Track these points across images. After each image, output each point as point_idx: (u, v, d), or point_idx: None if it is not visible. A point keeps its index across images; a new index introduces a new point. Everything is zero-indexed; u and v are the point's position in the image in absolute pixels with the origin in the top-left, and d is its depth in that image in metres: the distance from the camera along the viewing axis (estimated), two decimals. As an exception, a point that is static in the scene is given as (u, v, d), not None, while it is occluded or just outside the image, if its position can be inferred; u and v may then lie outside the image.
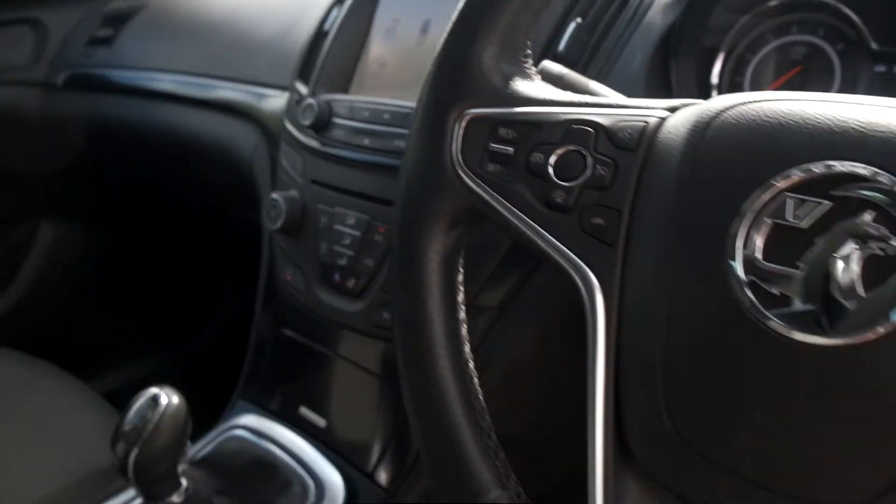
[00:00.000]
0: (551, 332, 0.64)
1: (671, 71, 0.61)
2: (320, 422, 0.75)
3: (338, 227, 0.73)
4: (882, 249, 0.28)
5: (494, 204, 0.38)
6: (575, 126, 0.37)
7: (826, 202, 0.29)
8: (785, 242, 0.30)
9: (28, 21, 1.23)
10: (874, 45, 0.55)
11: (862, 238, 0.28)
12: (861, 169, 0.28)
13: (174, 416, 0.60)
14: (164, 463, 0.60)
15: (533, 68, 0.41)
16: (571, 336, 0.41)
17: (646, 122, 0.36)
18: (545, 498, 0.52)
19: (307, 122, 0.75)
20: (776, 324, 0.29)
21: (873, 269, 0.28)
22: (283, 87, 0.86)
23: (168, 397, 0.61)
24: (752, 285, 0.30)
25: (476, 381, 0.41)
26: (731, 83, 0.63)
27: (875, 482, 0.28)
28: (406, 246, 0.41)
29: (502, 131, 0.39)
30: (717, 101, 0.34)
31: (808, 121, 0.31)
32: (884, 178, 0.28)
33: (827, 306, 0.28)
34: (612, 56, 0.61)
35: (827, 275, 0.28)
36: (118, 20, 1.17)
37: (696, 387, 0.32)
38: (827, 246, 0.29)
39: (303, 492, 0.67)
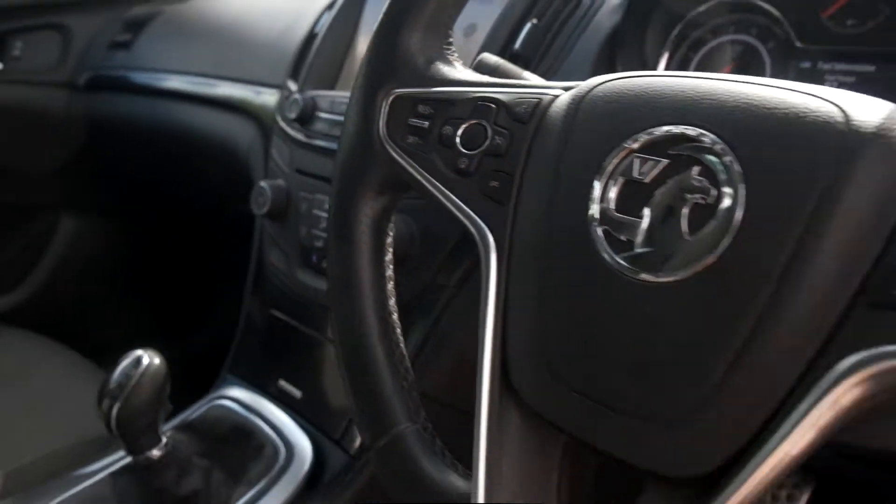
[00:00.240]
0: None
1: (617, 70, 0.65)
2: (297, 393, 0.80)
3: (316, 211, 0.78)
4: (703, 199, 0.32)
5: (413, 172, 0.44)
6: (480, 102, 0.42)
7: (664, 160, 0.34)
8: (632, 196, 0.34)
9: (55, 26, 1.32)
10: (798, 44, 0.60)
11: (689, 190, 0.33)
12: (690, 130, 0.33)
13: (154, 375, 0.66)
14: (144, 418, 0.66)
15: (455, 54, 0.46)
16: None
17: (540, 98, 0.40)
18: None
19: (293, 116, 0.82)
20: (623, 266, 0.34)
21: (697, 216, 0.32)
22: (277, 86, 0.93)
23: (150, 358, 0.66)
24: (606, 233, 0.35)
25: (399, 331, 0.46)
26: None
27: (701, 392, 0.32)
28: (341, 210, 0.46)
29: (421, 108, 0.44)
30: (594, 80, 0.39)
31: (658, 93, 0.35)
32: (707, 138, 0.32)
33: (662, 249, 0.33)
34: (561, 54, 0.66)
35: (663, 221, 0.33)
36: (137, 25, 1.25)
37: (564, 325, 0.36)
38: (663, 197, 0.33)
39: (273, 454, 0.73)
